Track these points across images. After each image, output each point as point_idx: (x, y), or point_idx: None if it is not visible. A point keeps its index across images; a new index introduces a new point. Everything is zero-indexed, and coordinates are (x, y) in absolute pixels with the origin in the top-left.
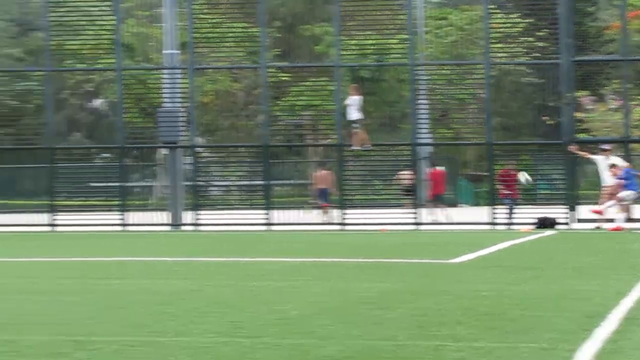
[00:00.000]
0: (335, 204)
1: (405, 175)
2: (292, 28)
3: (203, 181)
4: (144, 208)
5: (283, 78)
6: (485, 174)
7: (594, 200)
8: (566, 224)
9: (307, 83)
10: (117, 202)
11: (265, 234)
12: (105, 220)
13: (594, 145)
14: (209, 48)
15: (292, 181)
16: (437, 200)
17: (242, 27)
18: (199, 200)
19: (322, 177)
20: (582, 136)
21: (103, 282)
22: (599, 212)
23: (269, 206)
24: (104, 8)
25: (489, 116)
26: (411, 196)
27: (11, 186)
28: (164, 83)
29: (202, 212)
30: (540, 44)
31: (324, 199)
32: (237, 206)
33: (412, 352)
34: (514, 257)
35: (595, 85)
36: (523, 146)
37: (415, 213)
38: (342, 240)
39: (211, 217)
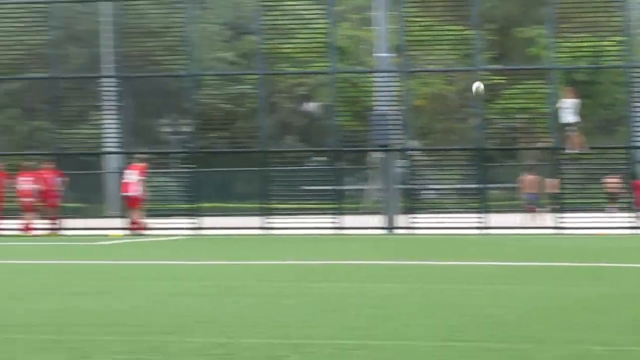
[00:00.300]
0: (543, 207)
1: (611, 181)
2: (506, 30)
3: (417, 184)
4: (357, 211)
5: (497, 81)
6: None
7: None
8: None
9: (521, 86)
10: (330, 205)
11: (480, 238)
12: (319, 223)
13: None
14: (421, 51)
15: (503, 184)
16: None
17: (455, 30)
18: (413, 203)
19: (529, 181)
20: None
21: (316, 285)
22: None
23: (483, 209)
24: (316, 11)
25: None
26: (616, 202)
27: (224, 189)
28: (376, 86)
29: (416, 215)
30: None
31: (532, 203)
32: (451, 209)
33: (631, 358)
34: None
35: None
36: None
37: (635, 217)
38: (556, 244)
39: (425, 221)
